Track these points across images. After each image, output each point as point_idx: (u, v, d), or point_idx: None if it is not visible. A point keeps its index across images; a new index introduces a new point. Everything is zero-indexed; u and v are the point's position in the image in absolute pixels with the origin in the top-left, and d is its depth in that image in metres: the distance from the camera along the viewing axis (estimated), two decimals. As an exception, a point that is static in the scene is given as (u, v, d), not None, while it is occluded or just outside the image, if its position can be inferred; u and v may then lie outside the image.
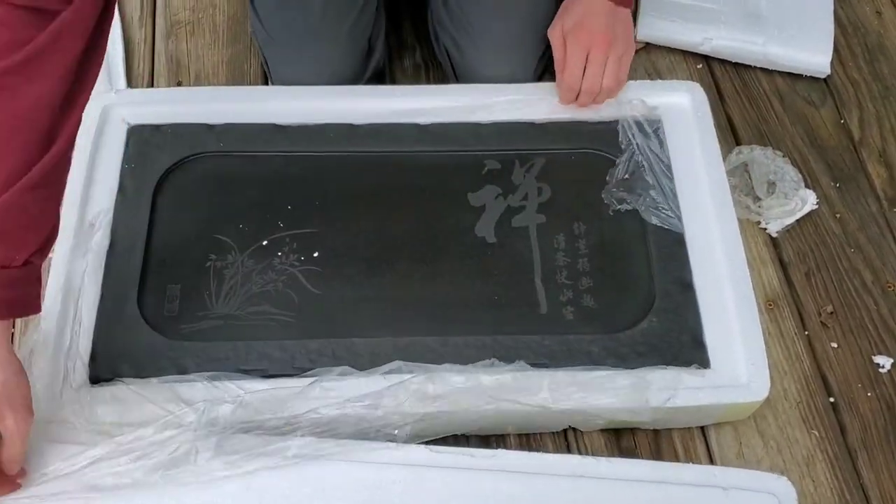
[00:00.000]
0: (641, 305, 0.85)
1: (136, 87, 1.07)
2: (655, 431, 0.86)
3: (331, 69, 0.97)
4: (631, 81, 0.97)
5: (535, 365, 0.80)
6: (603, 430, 0.85)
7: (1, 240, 0.65)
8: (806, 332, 0.92)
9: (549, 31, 0.94)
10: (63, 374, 0.78)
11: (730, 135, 1.05)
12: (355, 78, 0.98)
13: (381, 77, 1.04)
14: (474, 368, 0.79)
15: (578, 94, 0.93)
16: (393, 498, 0.73)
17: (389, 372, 0.79)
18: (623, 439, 0.85)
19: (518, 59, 0.97)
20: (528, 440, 0.85)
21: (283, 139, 0.94)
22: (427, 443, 0.77)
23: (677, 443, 0.85)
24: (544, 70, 1.01)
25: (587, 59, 0.90)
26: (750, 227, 0.98)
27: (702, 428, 0.86)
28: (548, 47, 0.96)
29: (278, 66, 1.00)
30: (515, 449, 0.84)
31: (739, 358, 0.82)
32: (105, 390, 0.78)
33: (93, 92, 0.71)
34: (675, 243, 0.88)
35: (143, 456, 0.73)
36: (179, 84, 1.08)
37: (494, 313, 0.84)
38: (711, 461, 0.84)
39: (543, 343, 0.82)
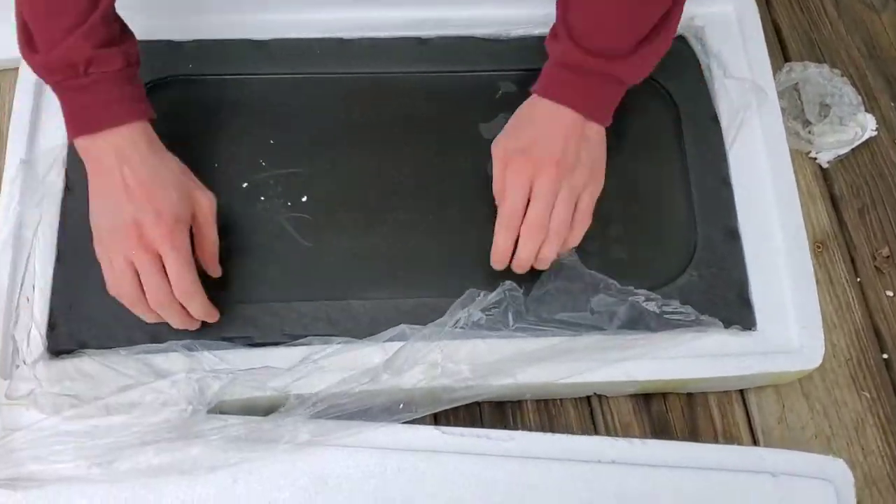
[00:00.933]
0: (680, 257, 0.74)
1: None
2: (689, 395, 0.77)
3: None
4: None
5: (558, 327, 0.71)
6: (631, 395, 0.76)
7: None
8: (858, 279, 0.82)
9: (493, 144, 0.71)
10: (16, 346, 0.68)
11: (776, 45, 0.92)
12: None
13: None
14: (490, 334, 0.69)
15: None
16: (401, 487, 0.65)
17: (393, 339, 0.69)
18: (653, 403, 0.76)
19: None
20: (548, 406, 0.76)
21: (263, 58, 0.80)
22: (436, 421, 0.68)
23: (713, 407, 0.77)
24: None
25: (531, 192, 0.68)
26: (797, 158, 0.86)
27: (741, 389, 0.77)
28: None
29: None
30: (533, 417, 0.75)
31: (790, 319, 0.72)
32: (68, 363, 0.69)
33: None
34: (719, 182, 0.77)
35: (112, 441, 0.64)
36: (140, -13, 0.93)
37: (510, 268, 0.74)
38: (751, 427, 0.76)
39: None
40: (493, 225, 0.71)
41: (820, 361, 0.70)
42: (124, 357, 0.69)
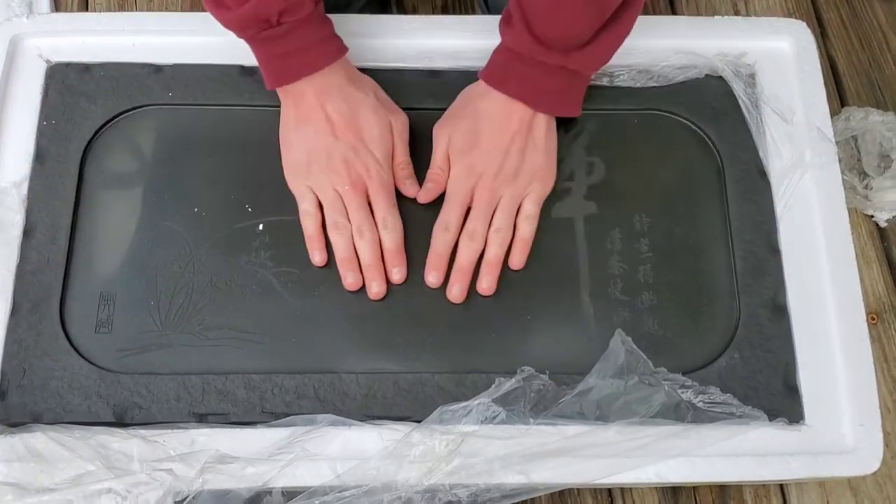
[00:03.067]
0: (720, 334, 0.65)
1: (65, 3, 0.82)
2: (722, 487, 0.68)
3: None
4: (715, 18, 0.74)
5: (579, 415, 0.62)
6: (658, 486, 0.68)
7: None
8: (917, 358, 0.73)
9: (436, 129, 0.69)
10: (-41, 419, 0.60)
11: (832, 85, 0.82)
12: (347, 3, 0.74)
13: (383, 2, 0.79)
14: (500, 423, 0.61)
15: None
16: None
17: (389, 423, 0.61)
18: (681, 496, 0.68)
19: None
20: (563, 497, 0.67)
21: (252, 87, 0.71)
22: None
23: (749, 501, 0.68)
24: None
25: (471, 199, 0.67)
26: (852, 216, 0.76)
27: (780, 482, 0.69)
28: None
29: None
30: (546, 508, 0.67)
31: (843, 413, 0.63)
32: (16, 440, 0.60)
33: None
34: (766, 248, 0.67)
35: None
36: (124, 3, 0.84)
37: (527, 341, 0.65)
38: (790, 527, 0.68)
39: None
40: (505, 288, 0.66)
41: (877, 466, 0.61)
42: (81, 435, 0.60)
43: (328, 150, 0.66)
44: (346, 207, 0.66)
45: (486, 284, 0.65)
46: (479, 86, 0.68)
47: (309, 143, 0.66)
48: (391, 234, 0.65)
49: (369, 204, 0.66)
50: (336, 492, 0.58)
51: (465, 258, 0.65)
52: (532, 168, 0.67)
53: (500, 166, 0.66)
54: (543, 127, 0.67)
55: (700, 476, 0.61)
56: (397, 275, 0.65)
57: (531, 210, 0.67)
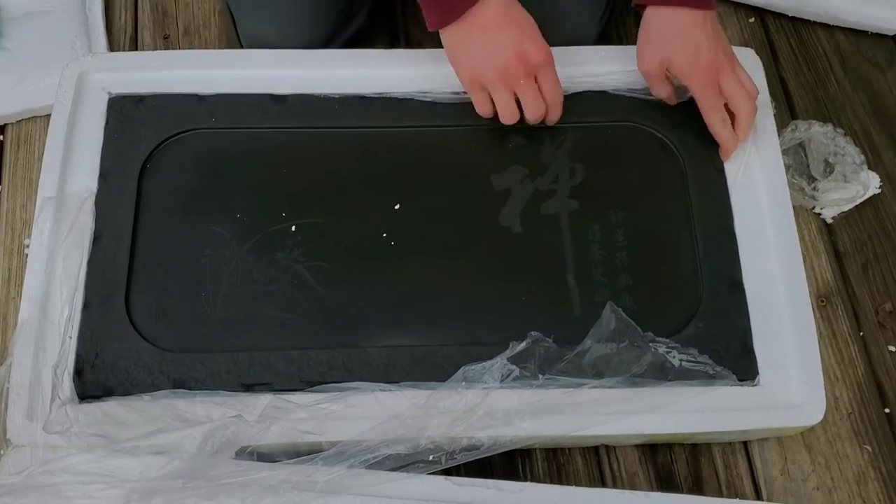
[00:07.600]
0: (686, 307, 0.76)
1: (118, 42, 0.95)
2: (694, 445, 0.79)
3: (304, 21, 0.86)
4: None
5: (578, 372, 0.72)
6: (637, 444, 0.78)
7: None
8: (861, 333, 0.84)
9: (644, 65, 0.79)
10: (44, 390, 0.71)
11: (783, 102, 0.94)
12: (334, 33, 0.88)
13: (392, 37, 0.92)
14: (499, 384, 0.72)
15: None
16: (411, 537, 0.67)
17: (407, 387, 0.72)
18: (659, 454, 0.78)
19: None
20: (557, 455, 0.78)
21: (283, 112, 0.83)
22: (447, 471, 0.70)
23: (717, 458, 0.78)
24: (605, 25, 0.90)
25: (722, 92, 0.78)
26: (802, 212, 0.88)
27: (744, 441, 0.79)
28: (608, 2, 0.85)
29: (244, 17, 0.88)
30: (542, 466, 0.77)
31: (792, 373, 0.74)
32: (95, 407, 0.71)
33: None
34: (723, 234, 0.79)
35: (135, 482, 0.66)
36: (167, 38, 0.96)
37: (521, 317, 0.76)
38: (753, 478, 0.78)
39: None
40: (503, 273, 0.78)
41: (821, 418, 0.72)
42: (148, 403, 0.71)
43: (501, 52, 0.74)
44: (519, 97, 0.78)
45: None
46: (657, 11, 0.77)
47: (476, 56, 0.76)
48: (558, 110, 0.80)
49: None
50: (376, 440, 0.68)
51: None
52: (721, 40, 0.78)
53: (719, 49, 0.76)
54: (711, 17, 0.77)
55: (670, 428, 0.72)
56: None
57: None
